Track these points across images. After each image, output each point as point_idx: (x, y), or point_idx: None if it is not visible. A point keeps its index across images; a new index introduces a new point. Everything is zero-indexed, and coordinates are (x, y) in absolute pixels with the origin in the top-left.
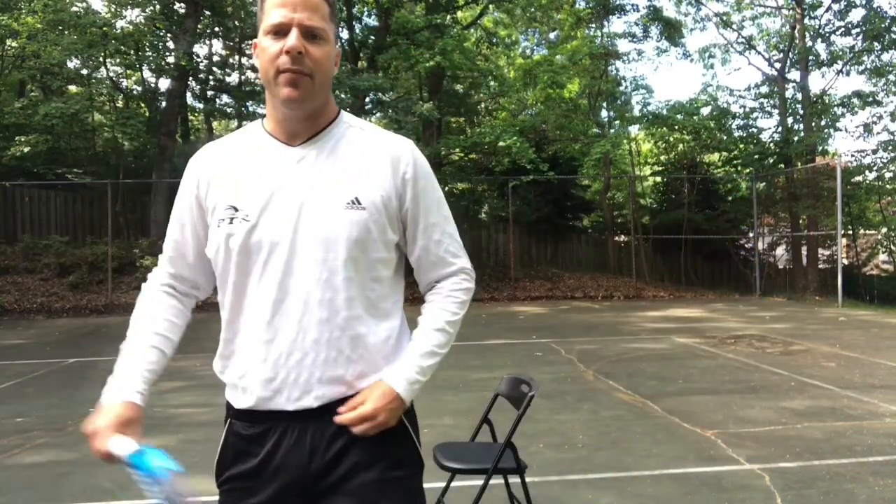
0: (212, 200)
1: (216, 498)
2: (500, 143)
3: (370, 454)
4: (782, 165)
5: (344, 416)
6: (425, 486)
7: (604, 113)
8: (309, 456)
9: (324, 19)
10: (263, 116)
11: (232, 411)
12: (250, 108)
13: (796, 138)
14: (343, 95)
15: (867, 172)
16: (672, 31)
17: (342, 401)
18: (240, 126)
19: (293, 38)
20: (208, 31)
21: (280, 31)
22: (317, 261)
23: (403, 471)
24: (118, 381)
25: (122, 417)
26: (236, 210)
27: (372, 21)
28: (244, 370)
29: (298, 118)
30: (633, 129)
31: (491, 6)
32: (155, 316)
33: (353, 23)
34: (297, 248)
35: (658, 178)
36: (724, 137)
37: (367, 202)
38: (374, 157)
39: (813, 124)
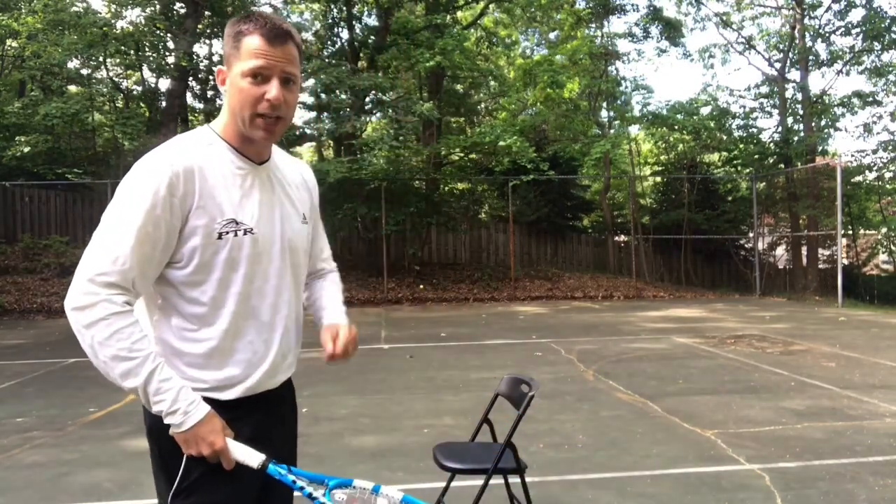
0: (203, 215)
1: None
2: (500, 143)
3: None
4: (782, 165)
5: (340, 346)
6: (425, 486)
7: (604, 113)
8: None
9: (297, 65)
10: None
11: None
12: None
13: (796, 138)
14: (343, 95)
15: (867, 172)
16: (672, 31)
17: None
18: None
19: (276, 89)
20: (208, 31)
21: (259, 76)
22: (294, 265)
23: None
24: (193, 394)
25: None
26: (237, 223)
27: (372, 21)
28: (244, 365)
29: (265, 144)
30: (633, 129)
31: (491, 6)
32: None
33: (353, 23)
34: (286, 256)
35: (658, 178)
36: (724, 137)
37: (308, 218)
38: (296, 177)
39: (813, 124)
